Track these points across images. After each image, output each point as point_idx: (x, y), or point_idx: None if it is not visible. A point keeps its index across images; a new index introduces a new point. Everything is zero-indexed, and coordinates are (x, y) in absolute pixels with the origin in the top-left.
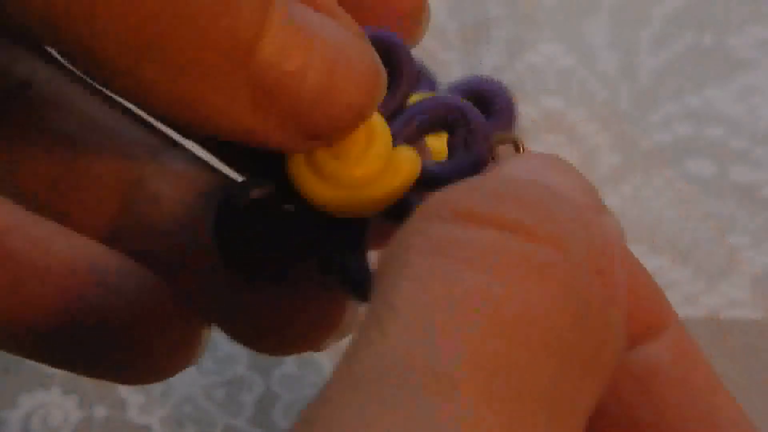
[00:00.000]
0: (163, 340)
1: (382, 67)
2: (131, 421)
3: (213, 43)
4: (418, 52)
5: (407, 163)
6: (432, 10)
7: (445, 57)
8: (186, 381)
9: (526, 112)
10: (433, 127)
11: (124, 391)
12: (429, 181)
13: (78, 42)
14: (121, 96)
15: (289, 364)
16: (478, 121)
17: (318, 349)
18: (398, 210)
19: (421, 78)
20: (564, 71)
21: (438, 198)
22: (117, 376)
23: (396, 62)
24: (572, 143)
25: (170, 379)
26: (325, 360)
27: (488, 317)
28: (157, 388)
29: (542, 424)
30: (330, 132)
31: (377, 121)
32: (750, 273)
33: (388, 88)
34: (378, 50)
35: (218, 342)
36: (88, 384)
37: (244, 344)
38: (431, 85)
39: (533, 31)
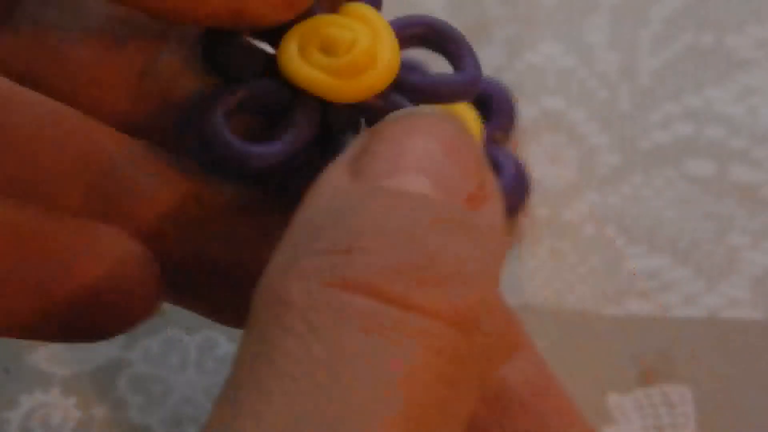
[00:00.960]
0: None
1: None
2: (131, 421)
3: None
4: (418, 52)
5: (390, 55)
6: (432, 10)
7: None
8: (186, 381)
9: (526, 112)
10: (422, 41)
11: (124, 391)
12: (408, 87)
13: None
14: None
15: None
16: (463, 41)
17: None
18: (375, 108)
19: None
20: (564, 71)
21: (305, 266)
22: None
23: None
24: (572, 143)
25: (170, 379)
26: None
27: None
28: (157, 388)
29: None
30: None
31: (374, 17)
32: (750, 273)
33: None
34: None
35: (218, 342)
36: (88, 384)
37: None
38: None
39: (533, 31)
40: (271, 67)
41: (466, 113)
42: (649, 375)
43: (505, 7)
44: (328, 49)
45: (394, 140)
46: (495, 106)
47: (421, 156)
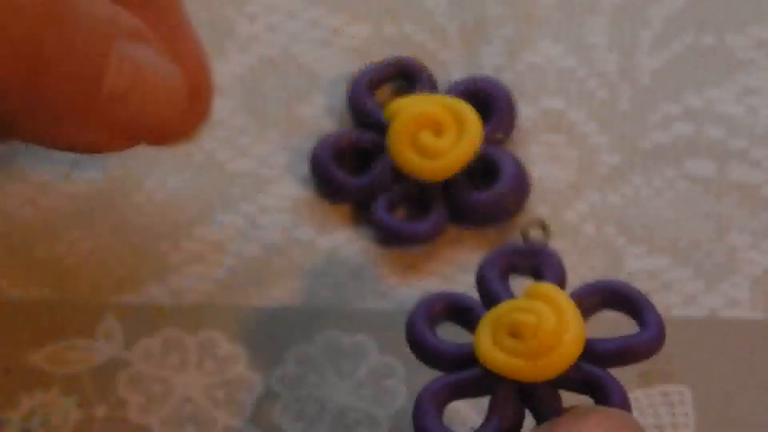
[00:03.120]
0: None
1: (180, 81)
2: (131, 421)
3: (71, 87)
4: (418, 52)
5: (574, 332)
6: (432, 10)
7: (445, 57)
8: (186, 381)
9: (526, 112)
10: (605, 305)
11: (124, 391)
12: (598, 355)
13: None
14: None
15: (289, 364)
16: (643, 300)
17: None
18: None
19: (421, 78)
20: (564, 71)
21: None
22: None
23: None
24: (572, 143)
25: (170, 379)
26: (326, 360)
27: None
28: (157, 388)
29: None
30: (146, 135)
31: (558, 296)
32: (750, 273)
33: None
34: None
35: (218, 342)
36: (88, 384)
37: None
38: (431, 85)
39: (533, 31)
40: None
41: (467, 114)
42: (649, 375)
43: (505, 7)
44: (516, 333)
45: None
46: (495, 106)
47: None
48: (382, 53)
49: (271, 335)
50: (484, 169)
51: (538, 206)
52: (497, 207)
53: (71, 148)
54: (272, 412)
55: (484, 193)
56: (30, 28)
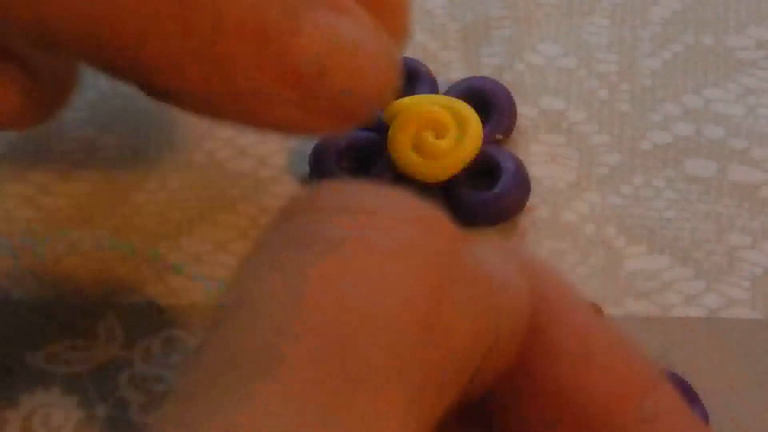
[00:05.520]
0: None
1: (395, 56)
2: (132, 421)
3: (256, 49)
4: (418, 52)
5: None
6: (432, 10)
7: (445, 57)
8: None
9: (526, 112)
10: None
11: (124, 391)
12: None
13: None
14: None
15: None
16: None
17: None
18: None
19: (421, 78)
20: (564, 71)
21: (300, 196)
22: None
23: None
24: (572, 143)
25: (170, 378)
26: None
27: (331, 305)
28: (157, 387)
29: (362, 404)
30: (356, 115)
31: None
32: (750, 273)
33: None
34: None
35: None
36: (88, 384)
37: None
38: (431, 85)
39: (533, 31)
40: None
41: (468, 115)
42: None
43: (505, 7)
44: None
45: None
46: (495, 107)
47: None
48: None
49: None
50: (484, 169)
51: (538, 206)
52: (498, 207)
53: (258, 126)
54: None
55: (484, 193)
56: None
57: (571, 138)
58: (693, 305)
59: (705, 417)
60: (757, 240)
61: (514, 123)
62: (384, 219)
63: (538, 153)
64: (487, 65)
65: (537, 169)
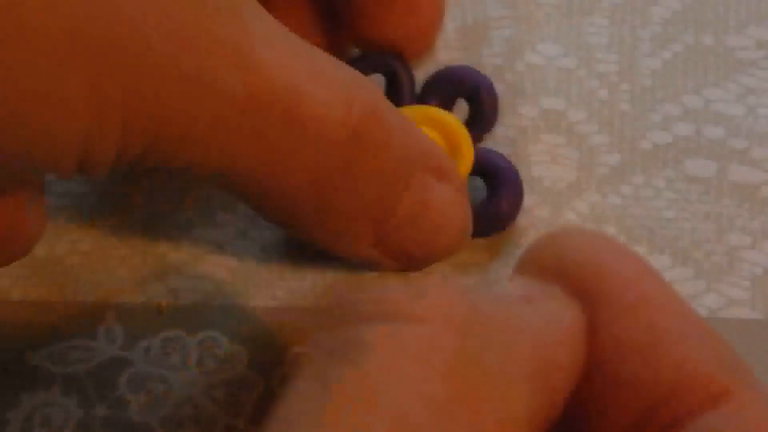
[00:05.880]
0: None
1: (469, 221)
2: (131, 421)
3: (361, 211)
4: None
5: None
6: None
7: (445, 57)
8: (186, 381)
9: (526, 112)
10: None
11: (124, 390)
12: None
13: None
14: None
15: (290, 364)
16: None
17: None
18: None
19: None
20: (564, 71)
21: (340, 302)
22: None
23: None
24: (572, 143)
25: (170, 378)
26: None
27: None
28: (157, 387)
29: None
30: (421, 266)
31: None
32: (750, 273)
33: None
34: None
35: (218, 342)
36: (88, 384)
37: None
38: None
39: (533, 31)
40: None
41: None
42: None
43: (505, 7)
44: None
45: None
46: (478, 103)
47: None
48: None
49: (271, 335)
50: (476, 171)
51: (538, 206)
52: (497, 217)
53: (340, 253)
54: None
55: (483, 204)
56: (342, 152)
57: (571, 138)
58: (693, 305)
59: None
60: (757, 240)
61: (496, 118)
62: (412, 323)
63: (538, 153)
64: (487, 65)
65: (537, 169)
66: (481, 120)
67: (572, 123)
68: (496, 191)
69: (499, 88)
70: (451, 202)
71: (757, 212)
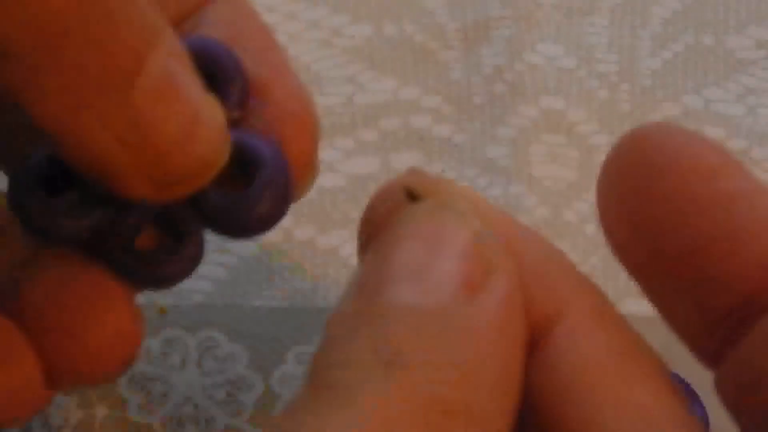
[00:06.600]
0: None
1: (227, 129)
2: (132, 421)
3: (98, 64)
4: (418, 52)
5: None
6: (432, 10)
7: (445, 57)
8: (186, 381)
9: (526, 112)
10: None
11: (124, 390)
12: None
13: None
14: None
15: (289, 364)
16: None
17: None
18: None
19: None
20: (564, 71)
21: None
22: None
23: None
24: (572, 143)
25: (170, 378)
26: None
27: None
28: (157, 387)
29: None
30: (181, 182)
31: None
32: None
33: (221, 94)
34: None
35: (218, 342)
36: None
37: None
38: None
39: (533, 31)
40: None
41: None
42: None
43: (505, 7)
44: None
45: (380, 252)
46: (222, 79)
47: (403, 263)
48: (382, 53)
49: (271, 335)
50: (235, 160)
51: (538, 206)
52: (253, 212)
53: (77, 144)
54: (272, 412)
55: (234, 194)
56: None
57: (571, 138)
58: None
59: (705, 417)
60: None
61: (248, 91)
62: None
63: (538, 153)
64: (487, 65)
65: (537, 169)
66: (224, 94)
67: (572, 123)
68: (254, 183)
69: (499, 88)
70: (200, 94)
71: None
